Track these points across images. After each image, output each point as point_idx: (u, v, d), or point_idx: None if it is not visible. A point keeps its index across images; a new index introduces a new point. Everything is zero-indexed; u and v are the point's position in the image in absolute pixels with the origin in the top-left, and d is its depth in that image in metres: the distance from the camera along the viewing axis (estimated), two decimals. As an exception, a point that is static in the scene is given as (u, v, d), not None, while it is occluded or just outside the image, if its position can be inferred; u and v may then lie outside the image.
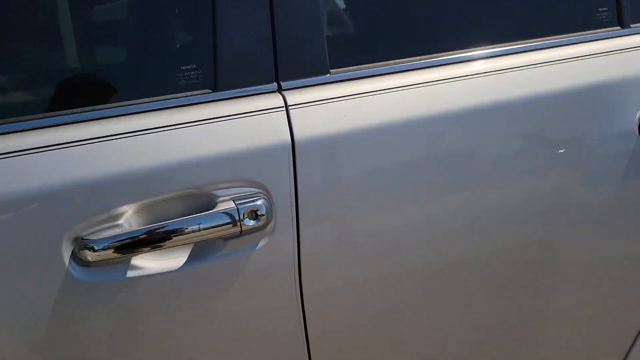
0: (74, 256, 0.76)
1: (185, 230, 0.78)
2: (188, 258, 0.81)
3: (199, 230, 0.79)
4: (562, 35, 1.06)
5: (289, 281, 0.86)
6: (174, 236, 0.78)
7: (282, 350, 0.90)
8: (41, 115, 0.77)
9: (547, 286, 1.05)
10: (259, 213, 0.81)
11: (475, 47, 0.99)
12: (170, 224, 0.78)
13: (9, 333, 0.75)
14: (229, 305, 0.84)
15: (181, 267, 0.80)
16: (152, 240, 0.77)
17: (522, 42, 1.03)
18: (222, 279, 0.83)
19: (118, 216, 0.78)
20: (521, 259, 1.01)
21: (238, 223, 0.80)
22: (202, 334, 0.84)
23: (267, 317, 0.87)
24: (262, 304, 0.86)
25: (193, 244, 0.81)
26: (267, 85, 0.88)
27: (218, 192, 0.82)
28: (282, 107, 0.87)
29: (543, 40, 1.04)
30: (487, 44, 1.01)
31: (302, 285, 0.87)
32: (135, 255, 0.78)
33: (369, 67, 0.94)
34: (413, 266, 0.93)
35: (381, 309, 0.94)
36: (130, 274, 0.78)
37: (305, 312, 0.88)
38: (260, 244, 0.84)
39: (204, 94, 0.86)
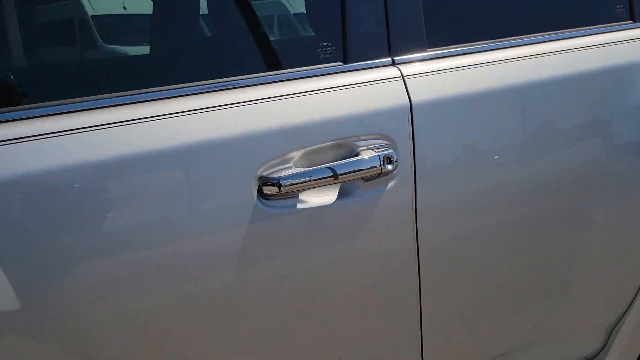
0: (259, 191, 0.94)
1: (342, 171, 0.98)
2: (338, 195, 1.01)
3: (352, 172, 0.99)
4: (590, 27, 1.32)
5: (408, 217, 1.07)
6: (333, 176, 0.98)
7: (398, 271, 1.10)
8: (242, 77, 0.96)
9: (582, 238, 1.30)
10: (392, 159, 1.02)
11: (536, 32, 1.24)
12: (333, 166, 0.98)
13: (206, 248, 0.92)
14: (365, 232, 1.04)
15: (334, 202, 1.00)
16: (316, 179, 0.97)
17: (560, 31, 1.29)
18: (362, 212, 1.03)
19: (289, 160, 0.97)
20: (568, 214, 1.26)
21: (380, 167, 1.00)
22: (345, 258, 1.03)
23: (392, 242, 1.07)
24: (389, 235, 1.07)
25: (341, 184, 1.01)
26: (384, 60, 1.09)
27: (358, 143, 1.02)
28: (400, 77, 1.08)
29: (579, 30, 1.30)
30: (542, 31, 1.26)
31: (417, 223, 1.08)
32: (302, 191, 0.97)
33: (453, 48, 1.17)
34: (504, 218, 1.16)
35: (482, 255, 1.16)
36: (299, 205, 0.97)
37: (419, 245, 1.09)
38: (389, 185, 1.04)
39: (336, 65, 1.06)
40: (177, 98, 0.92)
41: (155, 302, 0.90)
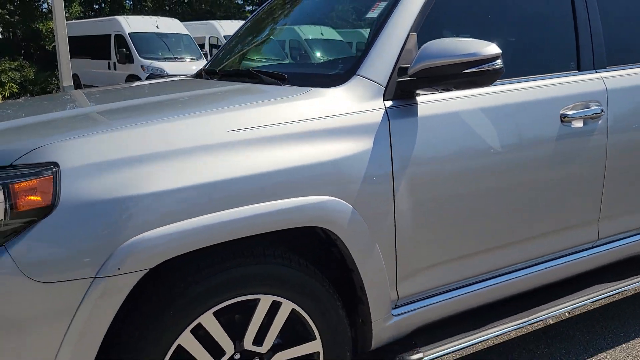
0: (561, 119, 2.39)
1: (585, 114, 2.44)
2: (583, 123, 2.47)
3: (589, 114, 2.45)
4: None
5: (604, 133, 2.53)
6: (582, 115, 2.44)
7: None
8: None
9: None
10: (604, 110, 2.50)
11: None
12: (583, 111, 2.44)
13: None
14: (589, 138, 2.49)
15: (581, 126, 2.46)
16: (579, 116, 2.43)
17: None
18: (591, 130, 2.49)
19: (569, 107, 2.42)
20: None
21: (599, 113, 2.47)
22: (582, 148, 2.49)
23: (597, 146, 2.53)
24: (597, 142, 2.52)
25: (584, 119, 2.47)
26: (591, 70, 2.57)
27: (589, 103, 2.49)
28: (601, 78, 2.56)
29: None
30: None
31: (608, 137, 2.54)
32: (573, 120, 2.42)
33: (619, 66, 2.65)
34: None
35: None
36: (572, 126, 2.42)
37: (607, 149, 2.55)
38: (599, 121, 2.50)
39: (574, 71, 2.54)
40: (527, 82, 2.38)
41: (504, 183, 2.33)
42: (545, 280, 2.57)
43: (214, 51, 17.37)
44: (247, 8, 31.90)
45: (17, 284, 1.48)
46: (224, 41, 16.97)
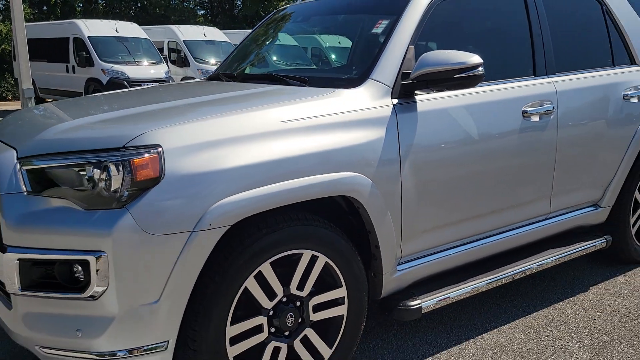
0: (522, 114, 3.01)
1: (540, 111, 3.08)
2: (539, 118, 3.10)
3: (543, 110, 3.09)
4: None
5: (555, 126, 3.17)
6: (538, 112, 3.07)
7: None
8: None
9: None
10: (555, 108, 3.14)
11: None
12: (538, 108, 3.08)
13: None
14: (543, 132, 3.13)
15: (538, 120, 3.09)
16: (537, 112, 3.06)
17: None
18: (544, 125, 3.12)
19: (528, 105, 3.05)
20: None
21: (551, 110, 3.11)
22: (537, 140, 3.12)
23: (549, 136, 3.17)
24: (548, 134, 3.16)
25: (540, 114, 3.10)
26: (544, 76, 3.22)
27: (542, 101, 3.13)
28: (552, 82, 3.21)
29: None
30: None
31: (558, 129, 3.18)
32: (531, 116, 3.05)
33: (565, 72, 3.31)
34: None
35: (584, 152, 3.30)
36: (530, 120, 3.05)
37: (558, 137, 3.20)
38: (551, 117, 3.15)
39: (531, 76, 3.17)
40: (504, 83, 2.99)
41: (478, 170, 2.94)
42: (512, 244, 3.19)
43: (173, 55, 17.57)
44: (201, 12, 32.14)
45: (135, 236, 1.95)
46: (183, 46, 17.25)
